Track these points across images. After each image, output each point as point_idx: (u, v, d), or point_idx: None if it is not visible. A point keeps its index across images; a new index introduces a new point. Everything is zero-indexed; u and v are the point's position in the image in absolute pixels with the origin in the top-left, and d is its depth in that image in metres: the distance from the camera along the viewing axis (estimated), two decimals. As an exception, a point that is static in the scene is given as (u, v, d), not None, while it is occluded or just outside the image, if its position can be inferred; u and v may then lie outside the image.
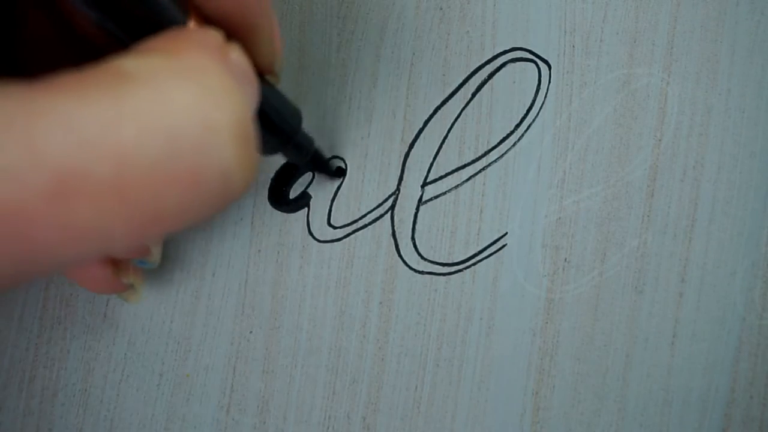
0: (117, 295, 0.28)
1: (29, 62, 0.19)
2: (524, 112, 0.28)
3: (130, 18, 0.16)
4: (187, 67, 0.15)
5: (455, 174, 0.28)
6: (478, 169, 0.28)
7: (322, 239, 0.29)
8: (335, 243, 0.29)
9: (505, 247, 0.28)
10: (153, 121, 0.14)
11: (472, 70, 0.28)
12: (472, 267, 0.28)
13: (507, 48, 0.28)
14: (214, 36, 0.16)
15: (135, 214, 0.14)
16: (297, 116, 0.24)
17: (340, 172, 0.29)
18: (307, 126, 0.28)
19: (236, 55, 0.17)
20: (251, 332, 0.29)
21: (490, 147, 0.28)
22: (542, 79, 0.28)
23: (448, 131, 0.29)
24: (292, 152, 0.25)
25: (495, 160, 0.28)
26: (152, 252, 0.26)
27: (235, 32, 0.19)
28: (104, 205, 0.13)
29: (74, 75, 0.14)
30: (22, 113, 0.13)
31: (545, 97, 0.28)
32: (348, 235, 0.29)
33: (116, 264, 0.26)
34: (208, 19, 0.18)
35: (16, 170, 0.12)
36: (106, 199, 0.13)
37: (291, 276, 0.29)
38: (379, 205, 0.29)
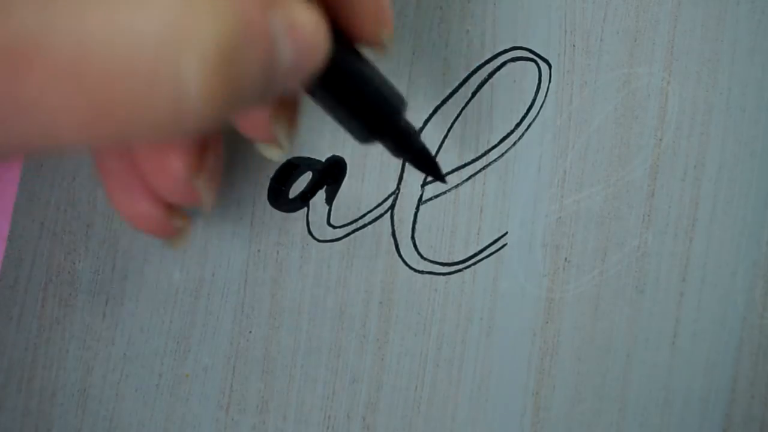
0: (163, 240, 0.26)
1: None
2: (524, 111, 0.28)
3: None
4: None
5: (455, 173, 0.28)
6: (478, 169, 0.28)
7: (322, 239, 0.29)
8: (335, 243, 0.29)
9: (505, 247, 0.28)
10: (125, 14, 0.14)
11: (472, 69, 0.28)
12: (472, 267, 0.28)
13: (507, 47, 0.28)
14: None
15: (83, 102, 0.14)
16: (399, 99, 0.22)
17: (438, 175, 0.26)
18: (307, 126, 0.28)
19: (294, 10, 0.16)
20: (251, 332, 0.29)
21: (490, 147, 0.28)
22: (542, 78, 0.28)
23: (448, 131, 0.28)
24: (392, 142, 0.23)
25: (495, 160, 0.28)
26: (204, 198, 0.24)
27: None
28: (55, 84, 0.13)
29: None
30: None
31: (545, 96, 0.28)
32: (348, 235, 0.29)
33: (169, 205, 0.24)
34: None
35: None
36: (57, 79, 0.13)
37: (291, 276, 0.29)
38: (379, 205, 0.29)
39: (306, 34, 0.16)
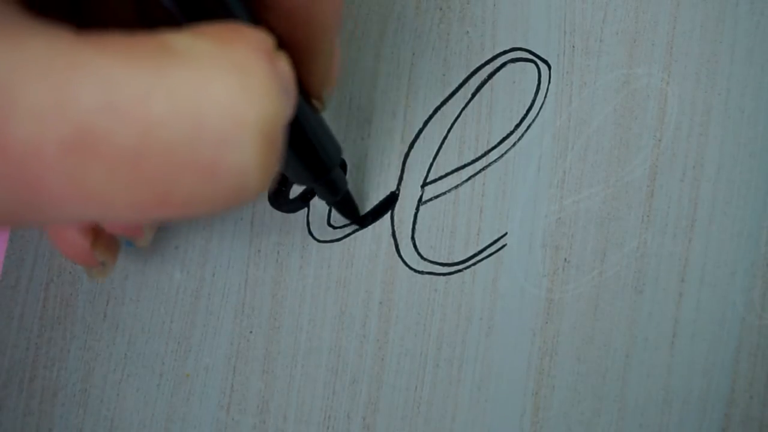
0: (84, 268, 0.27)
1: (94, 16, 0.19)
2: (524, 112, 0.28)
3: (193, 1, 0.16)
4: (232, 58, 0.15)
5: (455, 174, 0.28)
6: (478, 169, 0.28)
7: (322, 239, 0.29)
8: (335, 243, 0.29)
9: (505, 247, 0.28)
10: (185, 101, 0.14)
11: (472, 70, 0.28)
12: (472, 267, 0.28)
13: (507, 48, 0.28)
14: (265, 38, 0.16)
15: (144, 189, 0.14)
16: (337, 151, 0.23)
17: (361, 221, 0.28)
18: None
19: (283, 63, 0.16)
20: (251, 332, 0.29)
21: (490, 147, 0.28)
22: (542, 79, 0.28)
23: (448, 131, 0.29)
24: (323, 188, 0.25)
25: (495, 160, 0.28)
26: (145, 234, 0.26)
27: (296, 46, 0.18)
28: (117, 171, 0.13)
29: (123, 37, 0.14)
30: (63, 59, 0.13)
31: (545, 97, 0.28)
32: (348, 235, 0.29)
33: (96, 236, 0.25)
34: (273, 25, 0.18)
35: (42, 113, 0.13)
36: (119, 166, 0.13)
37: (291, 276, 0.29)
38: (379, 205, 0.29)
39: (290, 84, 0.17)
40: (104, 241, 0.26)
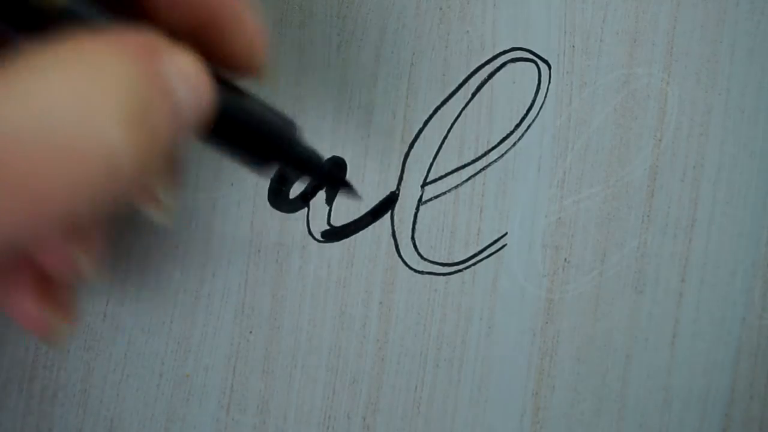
0: (40, 339, 0.26)
1: None
2: (524, 112, 0.28)
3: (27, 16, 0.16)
4: (80, 54, 0.15)
5: (455, 174, 0.28)
6: (478, 169, 0.28)
7: (322, 239, 0.29)
8: (335, 243, 0.29)
9: (505, 247, 0.28)
10: (29, 102, 0.14)
11: (472, 70, 0.28)
12: (472, 267, 0.28)
13: (507, 48, 0.28)
14: (137, 35, 0.16)
15: (19, 195, 0.14)
16: (288, 126, 0.22)
17: (349, 188, 0.28)
18: (307, 125, 0.28)
19: (177, 57, 0.17)
20: (251, 332, 0.29)
21: (490, 147, 0.28)
22: (542, 79, 0.28)
23: (448, 131, 0.29)
24: (292, 167, 0.23)
25: (495, 160, 0.28)
26: (83, 268, 0.24)
27: (206, 29, 0.19)
28: None
29: None
30: None
31: (545, 97, 0.28)
32: (348, 236, 0.29)
33: (48, 303, 0.25)
34: (175, 18, 0.18)
35: None
36: None
37: (291, 276, 0.29)
38: (379, 205, 0.29)
39: (192, 76, 0.17)
40: (57, 307, 0.24)
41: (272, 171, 0.23)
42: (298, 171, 0.24)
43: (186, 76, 0.17)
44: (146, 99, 0.16)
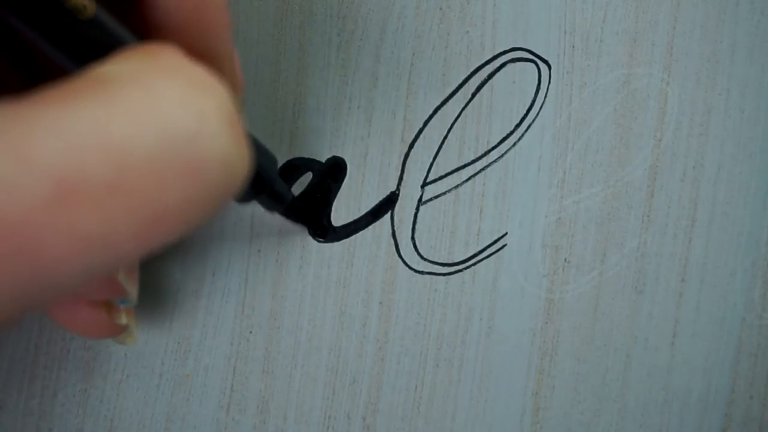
0: (113, 339, 0.27)
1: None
2: (524, 112, 0.28)
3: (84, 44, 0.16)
4: (167, 64, 0.15)
5: (455, 174, 0.28)
6: (478, 169, 0.28)
7: (322, 239, 0.29)
8: (335, 243, 0.29)
9: (505, 247, 0.28)
10: (144, 115, 0.14)
11: (472, 70, 0.28)
12: (472, 267, 0.28)
13: (507, 48, 0.28)
14: (176, 48, 0.16)
15: (139, 212, 0.14)
16: (273, 162, 0.24)
17: (321, 229, 0.29)
18: (307, 125, 0.28)
19: (200, 66, 0.17)
20: (251, 332, 0.29)
21: (490, 147, 0.28)
22: (542, 79, 0.28)
23: (448, 131, 0.29)
24: (268, 201, 0.25)
25: (495, 160, 0.28)
26: (128, 290, 0.25)
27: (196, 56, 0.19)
28: (107, 206, 0.13)
29: (58, 86, 0.14)
30: (11, 126, 0.13)
31: (545, 97, 0.28)
32: (348, 236, 0.29)
33: (107, 306, 0.25)
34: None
35: (12, 181, 0.12)
36: (108, 200, 0.13)
37: (291, 276, 0.29)
38: (379, 205, 0.29)
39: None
40: (115, 305, 0.25)
41: (249, 201, 0.24)
42: (272, 204, 0.25)
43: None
44: (229, 98, 0.15)
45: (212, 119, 0.14)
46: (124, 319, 0.25)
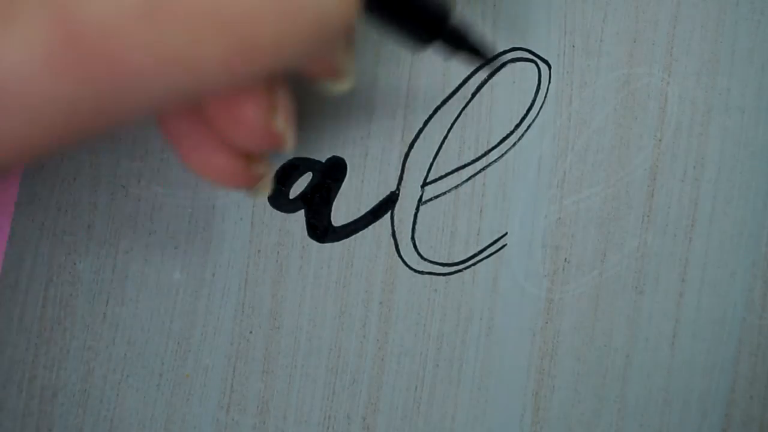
0: (247, 191, 0.25)
1: None
2: (524, 112, 0.28)
3: None
4: None
5: (455, 174, 0.28)
6: (478, 169, 0.28)
7: (322, 239, 0.29)
8: (335, 243, 0.29)
9: (505, 247, 0.28)
10: None
11: (472, 70, 0.28)
12: (472, 267, 0.28)
13: (507, 48, 0.28)
14: None
15: (228, 41, 0.14)
16: (445, 2, 0.22)
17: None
18: (308, 125, 0.28)
19: None
20: (251, 332, 0.29)
21: (490, 147, 0.28)
22: (542, 79, 0.28)
23: (448, 131, 0.29)
24: (448, 41, 0.23)
25: (495, 160, 0.28)
26: (286, 137, 0.23)
27: None
28: (197, 29, 0.13)
29: None
30: None
31: (545, 97, 0.28)
32: (348, 235, 0.29)
33: (246, 154, 0.23)
34: None
35: None
36: (198, 23, 0.13)
37: (291, 276, 0.29)
38: (379, 205, 0.29)
39: None
40: (253, 156, 0.24)
41: (432, 47, 0.23)
42: (457, 47, 0.24)
43: None
44: None
45: None
46: (261, 168, 0.24)
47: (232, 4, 0.13)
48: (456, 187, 0.28)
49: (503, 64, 0.28)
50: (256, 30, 0.14)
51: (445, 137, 0.29)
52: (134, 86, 0.13)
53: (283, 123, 0.22)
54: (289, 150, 0.23)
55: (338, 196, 0.29)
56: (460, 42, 0.23)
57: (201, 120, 0.22)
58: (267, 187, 0.24)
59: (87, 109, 0.13)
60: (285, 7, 0.14)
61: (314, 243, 0.29)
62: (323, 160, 0.29)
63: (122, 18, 0.13)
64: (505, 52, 0.28)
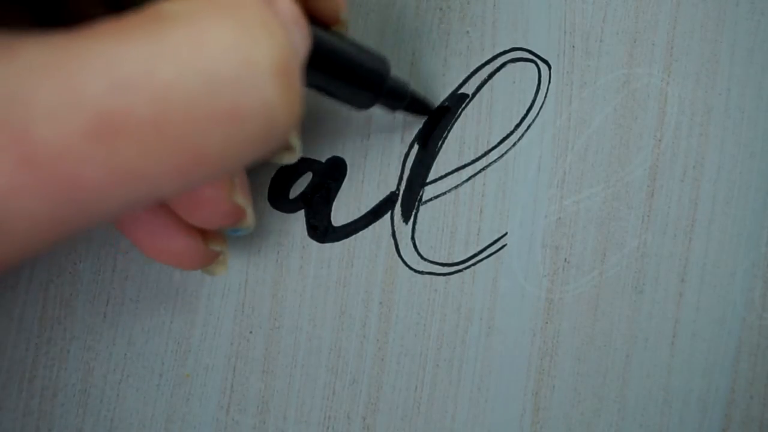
0: (203, 269, 0.26)
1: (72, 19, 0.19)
2: (524, 112, 0.28)
3: None
4: (225, 5, 0.15)
5: (455, 174, 0.28)
6: (478, 169, 0.28)
7: (322, 239, 0.29)
8: (335, 243, 0.29)
9: (505, 247, 0.28)
10: (190, 58, 0.14)
11: (472, 70, 0.28)
12: (472, 267, 0.28)
13: (507, 48, 0.28)
14: None
15: (177, 152, 0.14)
16: (383, 62, 0.24)
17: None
18: (308, 125, 0.28)
19: (282, 1, 0.16)
20: (251, 332, 0.29)
21: (490, 147, 0.28)
22: (542, 79, 0.28)
23: (448, 131, 0.29)
24: (387, 101, 0.25)
25: (495, 160, 0.28)
26: (246, 215, 0.24)
27: None
28: (147, 144, 0.13)
29: (113, 20, 0.14)
30: (62, 57, 0.13)
31: (545, 97, 0.28)
32: (348, 235, 0.29)
33: (203, 231, 0.24)
34: None
35: (57, 112, 0.13)
36: (148, 138, 0.13)
37: (291, 276, 0.29)
38: (380, 205, 0.29)
39: (298, 17, 0.17)
40: (212, 232, 0.25)
41: (371, 106, 0.24)
42: (394, 104, 0.25)
43: (294, 18, 0.17)
44: (286, 46, 0.15)
45: (258, 67, 0.14)
46: (219, 245, 0.25)
47: (179, 117, 0.14)
48: (456, 187, 0.28)
49: (503, 64, 0.28)
50: (205, 140, 0.14)
51: (445, 137, 0.29)
52: (93, 199, 0.14)
53: (241, 198, 0.23)
54: (249, 226, 0.24)
55: (338, 196, 0.29)
56: (400, 101, 0.25)
57: (157, 205, 0.22)
58: (224, 265, 0.25)
59: (48, 222, 0.13)
60: (232, 117, 0.14)
61: (314, 243, 0.29)
62: (323, 160, 0.29)
63: (72, 137, 0.13)
64: (505, 52, 0.28)
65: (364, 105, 0.24)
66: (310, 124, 0.28)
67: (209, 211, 0.23)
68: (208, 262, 0.25)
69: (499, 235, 0.28)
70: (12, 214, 0.13)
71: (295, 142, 0.23)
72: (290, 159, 0.24)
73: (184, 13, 0.14)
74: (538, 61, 0.28)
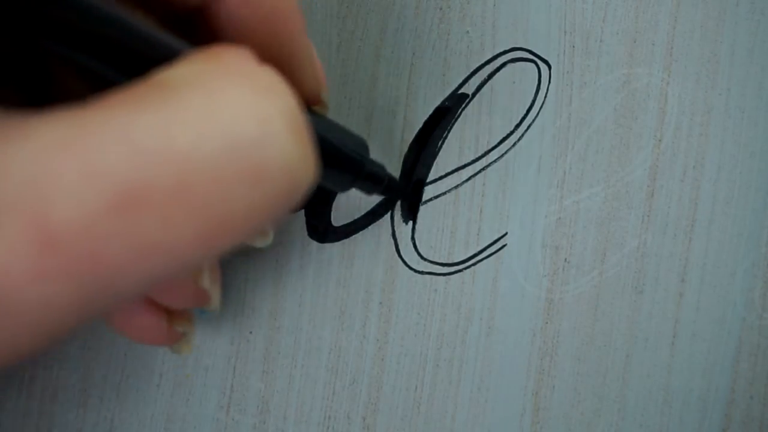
0: (169, 347, 0.26)
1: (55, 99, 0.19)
2: (524, 112, 0.28)
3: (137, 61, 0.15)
4: (231, 68, 0.15)
5: (455, 174, 0.28)
6: (478, 169, 0.28)
7: (322, 239, 0.29)
8: (335, 243, 0.29)
9: (505, 247, 0.28)
10: (208, 123, 0.14)
11: (472, 70, 0.28)
12: (472, 267, 0.28)
13: (507, 48, 0.28)
14: (244, 50, 0.16)
15: (202, 220, 0.14)
16: (362, 145, 0.24)
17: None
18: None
19: (270, 69, 0.16)
20: (251, 332, 0.29)
21: (490, 147, 0.28)
22: (542, 79, 0.28)
23: (448, 131, 0.29)
24: (365, 184, 0.25)
25: (495, 160, 0.28)
26: (212, 296, 0.24)
27: (272, 60, 0.19)
28: (170, 215, 0.13)
29: (122, 91, 0.14)
30: (78, 133, 0.13)
31: (545, 97, 0.28)
32: (348, 235, 0.29)
33: (169, 312, 0.24)
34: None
35: (78, 190, 0.12)
36: (171, 209, 0.13)
37: (291, 276, 0.29)
38: (380, 205, 0.29)
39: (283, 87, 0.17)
40: (178, 312, 0.25)
41: (350, 189, 0.24)
42: (370, 187, 0.25)
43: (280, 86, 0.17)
44: (295, 104, 0.15)
45: (275, 125, 0.14)
46: (183, 326, 0.25)
47: (202, 183, 0.13)
48: (456, 187, 0.28)
49: (503, 64, 0.28)
50: (229, 205, 0.14)
51: (445, 137, 0.29)
52: (115, 276, 0.13)
53: (208, 281, 0.23)
54: (215, 309, 0.24)
55: (338, 196, 0.29)
56: (376, 184, 0.25)
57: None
58: (189, 344, 0.25)
59: (70, 306, 0.13)
60: (255, 177, 0.14)
61: (314, 243, 0.29)
62: (323, 160, 0.29)
63: (94, 215, 0.13)
64: (505, 52, 0.28)
65: (344, 187, 0.24)
66: (310, 124, 0.28)
67: (174, 293, 0.23)
68: (171, 341, 0.25)
69: (499, 235, 0.28)
70: (34, 300, 0.12)
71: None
72: (263, 242, 0.24)
73: (195, 78, 0.14)
74: (538, 61, 0.28)
